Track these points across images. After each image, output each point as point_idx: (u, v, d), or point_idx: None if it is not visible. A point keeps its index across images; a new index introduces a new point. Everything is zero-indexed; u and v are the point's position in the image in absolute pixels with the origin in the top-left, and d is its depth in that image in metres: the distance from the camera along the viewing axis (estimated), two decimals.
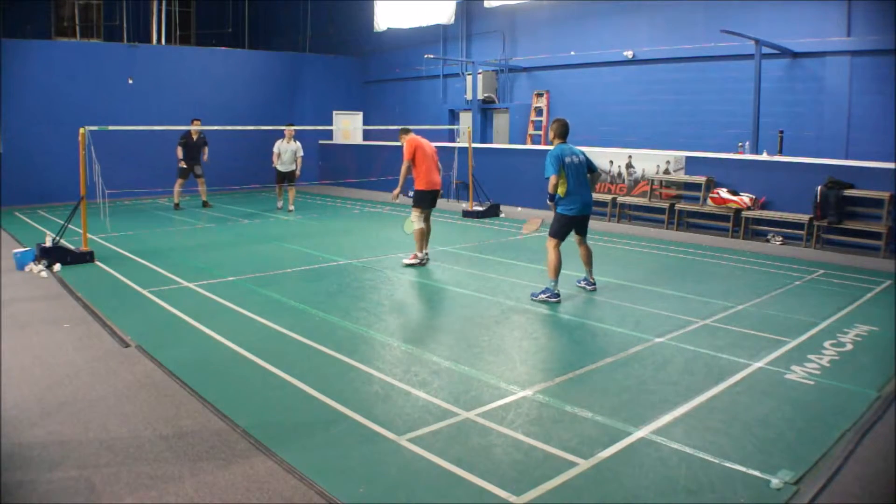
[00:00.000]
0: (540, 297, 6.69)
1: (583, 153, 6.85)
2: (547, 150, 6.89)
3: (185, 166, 13.55)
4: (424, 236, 8.37)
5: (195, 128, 13.37)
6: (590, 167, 6.86)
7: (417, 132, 8.77)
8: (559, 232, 6.76)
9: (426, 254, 8.42)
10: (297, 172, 13.76)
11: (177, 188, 13.87)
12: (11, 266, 8.23)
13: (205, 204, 14.20)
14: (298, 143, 13.69)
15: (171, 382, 4.54)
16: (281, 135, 13.69)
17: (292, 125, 13.95)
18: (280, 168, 13.60)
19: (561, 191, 6.62)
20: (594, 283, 7.18)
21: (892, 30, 10.53)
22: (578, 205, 6.70)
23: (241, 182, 15.88)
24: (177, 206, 13.94)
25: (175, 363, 4.86)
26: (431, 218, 8.63)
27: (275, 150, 13.57)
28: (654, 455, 3.54)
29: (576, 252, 7.24)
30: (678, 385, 4.51)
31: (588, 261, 7.10)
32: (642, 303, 6.64)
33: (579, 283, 7.26)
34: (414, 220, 8.30)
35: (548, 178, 6.63)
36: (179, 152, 13.52)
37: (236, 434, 3.77)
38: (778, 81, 12.02)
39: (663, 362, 4.96)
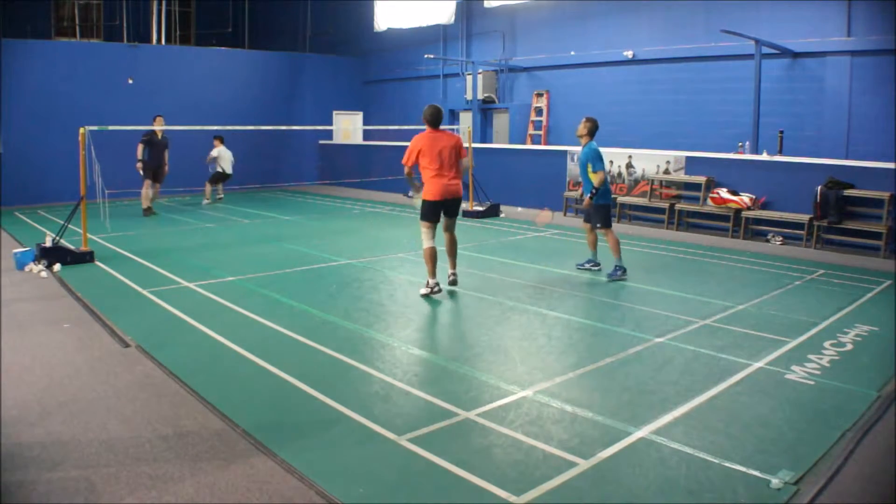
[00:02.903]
0: (616, 276, 7.56)
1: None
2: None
3: (141, 171, 12.31)
4: (434, 258, 6.78)
5: (158, 127, 12.30)
6: None
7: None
8: (610, 219, 7.68)
9: (437, 283, 6.82)
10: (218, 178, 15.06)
11: (145, 191, 12.68)
12: (11, 266, 8.23)
13: (148, 209, 12.92)
14: (217, 148, 14.87)
15: (171, 382, 4.54)
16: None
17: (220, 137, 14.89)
18: (221, 166, 14.86)
19: (601, 182, 7.46)
20: (599, 264, 8.04)
21: (892, 30, 10.54)
22: (610, 194, 7.81)
23: (240, 182, 15.87)
24: (147, 210, 12.81)
25: (175, 363, 4.86)
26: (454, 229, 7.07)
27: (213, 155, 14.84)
28: (654, 455, 3.54)
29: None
30: (678, 385, 4.51)
31: (594, 244, 8.01)
32: (642, 303, 6.64)
33: (585, 264, 8.05)
34: (422, 239, 6.84)
35: (597, 172, 7.44)
36: (140, 151, 12.22)
37: (236, 434, 3.77)
38: (778, 81, 12.02)
39: (663, 362, 4.96)
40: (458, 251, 7.29)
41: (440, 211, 6.80)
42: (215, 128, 14.17)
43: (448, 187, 6.71)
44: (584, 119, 7.67)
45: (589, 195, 7.54)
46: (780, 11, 11.89)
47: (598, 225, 7.70)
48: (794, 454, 3.55)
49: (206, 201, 15.06)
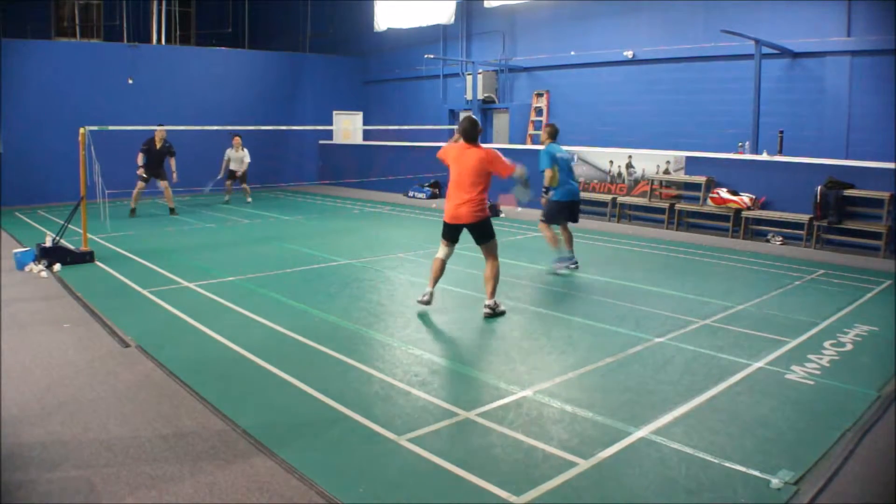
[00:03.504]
0: (558, 266, 7.91)
1: (567, 153, 8.09)
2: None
3: (144, 175, 12.54)
4: (437, 270, 6.30)
5: (160, 130, 12.39)
6: (571, 166, 8.08)
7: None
8: (552, 217, 7.99)
9: (428, 294, 6.28)
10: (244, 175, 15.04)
11: (135, 192, 12.69)
12: (11, 266, 8.22)
13: (171, 211, 13.15)
14: (246, 150, 14.84)
15: (171, 382, 4.54)
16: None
17: (239, 136, 14.79)
18: (235, 168, 14.85)
19: (554, 181, 7.80)
20: (576, 262, 8.16)
21: (892, 30, 10.54)
22: (569, 193, 7.94)
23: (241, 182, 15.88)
24: (133, 211, 12.70)
25: (175, 363, 4.86)
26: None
27: (225, 159, 14.76)
28: (654, 455, 3.54)
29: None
30: (678, 385, 4.51)
31: (570, 242, 8.16)
32: (642, 303, 6.64)
33: (561, 263, 8.14)
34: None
35: (543, 172, 7.78)
36: (140, 159, 12.45)
37: (236, 434, 3.77)
38: (778, 81, 12.02)
39: (663, 362, 4.96)
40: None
41: (454, 233, 6.20)
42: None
43: (458, 210, 6.03)
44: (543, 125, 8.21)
45: (543, 192, 7.96)
46: (780, 11, 11.89)
47: (542, 218, 8.14)
48: (794, 454, 3.55)
49: (248, 199, 15.34)
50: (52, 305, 6.59)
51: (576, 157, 8.20)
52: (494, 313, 6.14)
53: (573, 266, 8.10)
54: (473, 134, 6.12)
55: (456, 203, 6.03)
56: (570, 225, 8.21)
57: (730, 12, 12.38)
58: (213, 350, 5.22)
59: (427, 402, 4.21)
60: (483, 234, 6.13)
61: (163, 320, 6.04)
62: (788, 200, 10.62)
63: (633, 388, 4.47)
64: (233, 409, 4.08)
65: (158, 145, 12.60)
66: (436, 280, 6.32)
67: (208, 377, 4.63)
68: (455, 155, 6.10)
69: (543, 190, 7.91)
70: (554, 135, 8.10)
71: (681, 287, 7.33)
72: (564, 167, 7.90)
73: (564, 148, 8.36)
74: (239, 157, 14.75)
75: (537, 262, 8.52)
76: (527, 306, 6.51)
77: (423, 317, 6.22)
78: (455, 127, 15.96)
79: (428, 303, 6.27)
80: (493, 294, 6.17)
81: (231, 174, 14.87)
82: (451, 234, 6.20)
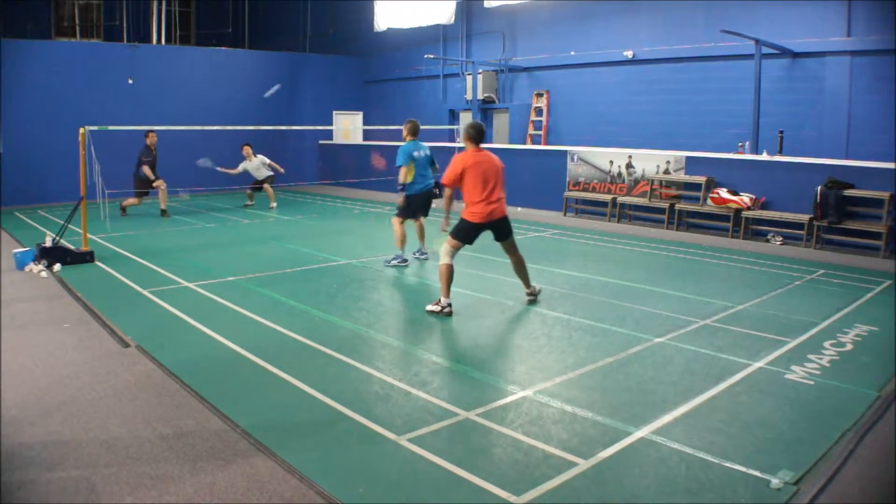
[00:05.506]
0: (392, 262, 8.25)
1: (428, 149, 8.26)
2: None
3: (156, 186, 12.44)
4: (451, 277, 6.21)
5: (153, 133, 12.28)
6: (432, 161, 8.27)
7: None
8: (405, 212, 8.20)
9: (449, 304, 6.21)
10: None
11: (132, 200, 12.71)
12: (11, 266, 8.23)
13: (163, 213, 12.99)
14: (261, 156, 14.32)
15: (171, 382, 4.54)
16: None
17: (248, 145, 14.24)
18: (256, 177, 14.30)
19: (409, 178, 7.99)
20: (426, 254, 8.61)
21: (892, 30, 10.54)
22: (423, 187, 8.19)
23: (241, 182, 15.85)
24: (124, 210, 12.73)
25: (175, 363, 4.86)
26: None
27: (240, 169, 14.22)
28: (654, 455, 3.54)
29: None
30: (678, 385, 4.51)
31: (422, 235, 8.58)
32: (642, 303, 6.64)
33: (414, 253, 8.63)
34: (442, 254, 6.22)
35: (399, 168, 7.99)
36: (149, 173, 12.36)
37: (236, 434, 3.77)
38: (778, 81, 12.02)
39: (663, 362, 4.96)
40: (459, 251, 6.46)
41: (477, 235, 6.32)
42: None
43: (493, 207, 6.18)
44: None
45: (399, 189, 8.13)
46: (780, 11, 11.89)
47: (396, 213, 8.30)
48: (794, 454, 3.55)
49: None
50: (52, 305, 6.59)
51: (428, 155, 8.28)
52: (537, 297, 6.69)
53: (423, 257, 8.57)
54: (484, 133, 6.46)
55: (489, 202, 6.20)
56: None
57: (730, 12, 12.38)
58: (213, 350, 5.23)
59: (427, 402, 4.21)
60: (509, 228, 6.48)
61: (163, 320, 6.05)
62: (788, 200, 10.62)
63: (633, 388, 4.47)
64: (233, 409, 4.08)
65: (154, 151, 12.45)
66: (450, 288, 6.23)
67: (208, 377, 4.63)
68: (472, 163, 6.19)
69: (399, 187, 8.08)
70: (415, 132, 8.18)
71: (681, 287, 7.33)
72: (422, 164, 8.09)
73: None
74: (255, 167, 14.11)
75: (537, 263, 8.51)
76: (527, 306, 6.50)
77: (423, 317, 6.22)
78: (457, 127, 15.94)
79: (450, 314, 6.17)
80: (529, 280, 6.68)
81: (257, 185, 14.28)
82: (474, 236, 6.33)
